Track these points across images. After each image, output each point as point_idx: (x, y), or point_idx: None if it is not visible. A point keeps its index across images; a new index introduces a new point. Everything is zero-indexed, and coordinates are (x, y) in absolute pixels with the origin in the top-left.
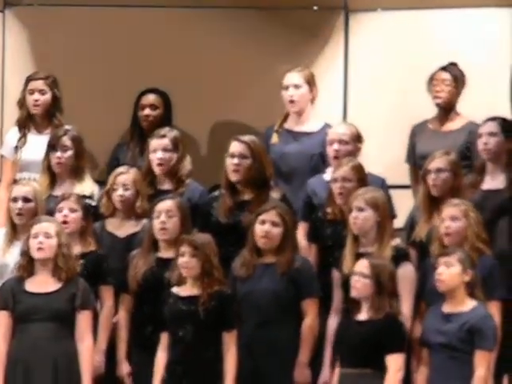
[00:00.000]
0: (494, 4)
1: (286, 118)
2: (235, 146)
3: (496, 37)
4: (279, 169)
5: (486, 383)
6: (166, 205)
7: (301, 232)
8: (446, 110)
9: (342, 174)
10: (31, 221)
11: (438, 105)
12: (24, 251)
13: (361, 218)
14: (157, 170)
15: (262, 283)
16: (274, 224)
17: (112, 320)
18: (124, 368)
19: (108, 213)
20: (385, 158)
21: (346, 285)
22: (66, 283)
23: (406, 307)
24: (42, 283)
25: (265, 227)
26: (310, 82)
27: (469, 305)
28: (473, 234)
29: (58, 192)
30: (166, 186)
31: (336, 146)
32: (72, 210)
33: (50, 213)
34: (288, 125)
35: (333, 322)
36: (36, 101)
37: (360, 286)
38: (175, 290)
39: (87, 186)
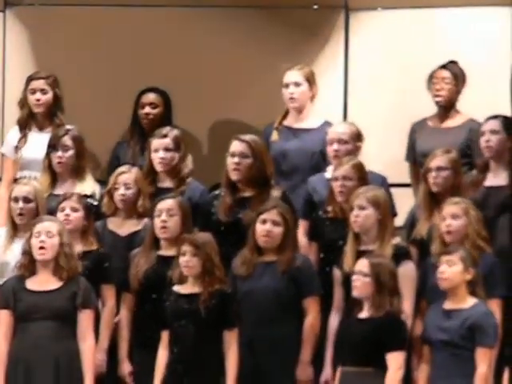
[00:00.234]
0: (494, 2)
1: (285, 115)
2: (236, 145)
3: (496, 35)
4: (279, 166)
5: (487, 380)
6: (166, 204)
7: (301, 230)
8: (446, 108)
9: (342, 173)
10: (33, 220)
11: (438, 103)
12: (26, 250)
13: (362, 216)
14: (159, 169)
15: (263, 282)
16: (275, 223)
17: (114, 319)
18: (125, 367)
19: (110, 212)
20: (385, 156)
21: (346, 283)
22: (67, 282)
23: (407, 305)
24: (43, 282)
25: (266, 226)
26: (310, 79)
27: (470, 302)
28: (473, 232)
29: (59, 191)
30: (167, 184)
31: (335, 146)
32: (74, 210)
33: (51, 212)
34: (288, 122)
35: (334, 321)
36: (38, 100)
37: (360, 284)
38: (176, 288)
39: (88, 186)
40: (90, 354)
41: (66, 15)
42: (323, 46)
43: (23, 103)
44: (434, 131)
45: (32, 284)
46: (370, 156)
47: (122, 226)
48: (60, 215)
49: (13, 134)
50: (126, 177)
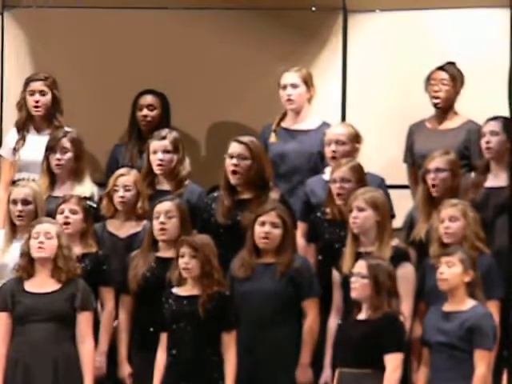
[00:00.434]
0: (492, 4)
1: (283, 117)
2: (234, 147)
3: (494, 37)
4: (278, 168)
5: (486, 382)
6: (165, 206)
7: (299, 232)
8: (445, 109)
9: (340, 175)
10: (32, 222)
11: (436, 104)
12: (24, 252)
13: (361, 217)
14: (157, 171)
15: (261, 283)
16: (273, 225)
17: (113, 322)
18: (125, 369)
19: (109, 214)
20: (383, 157)
21: (345, 285)
22: (65, 284)
23: (405, 307)
24: (42, 284)
25: (265, 228)
26: (308, 81)
27: (468, 304)
28: (471, 234)
29: (57, 193)
30: (166, 186)
31: (333, 147)
32: (73, 212)
33: (50, 214)
34: (285, 123)
35: (333, 322)
36: (37, 102)
37: (358, 286)
38: (175, 290)
39: (87, 188)
40: (89, 356)
41: (63, 17)
42: (322, 48)
43: (21, 105)
44: (432, 133)
45: (31, 286)
46: (368, 158)
47: (122, 228)
48: (59, 217)
49: (11, 135)
50: (126, 179)
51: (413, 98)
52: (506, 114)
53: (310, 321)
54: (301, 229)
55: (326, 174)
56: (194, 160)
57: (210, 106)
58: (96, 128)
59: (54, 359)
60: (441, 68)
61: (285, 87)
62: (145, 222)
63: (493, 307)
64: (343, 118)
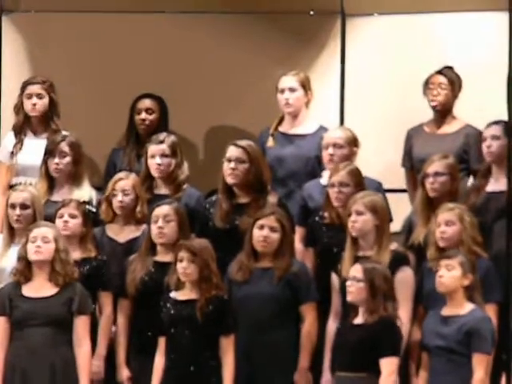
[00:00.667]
0: (490, 8)
1: (280, 121)
2: (232, 151)
3: (492, 40)
4: (275, 172)
5: None
6: (163, 210)
7: (297, 236)
8: (443, 113)
9: (338, 179)
10: (29, 226)
11: (434, 108)
12: (21, 256)
13: (360, 221)
14: (155, 175)
15: (259, 287)
16: (272, 229)
17: (112, 326)
18: (123, 373)
19: (108, 219)
20: (381, 162)
21: (344, 289)
22: (63, 288)
23: (404, 311)
24: (39, 288)
25: (263, 232)
26: (305, 85)
27: (467, 308)
28: (468, 238)
29: (56, 197)
30: (164, 190)
31: (331, 150)
32: (72, 216)
33: (48, 218)
34: (283, 128)
35: (332, 326)
36: (34, 105)
37: (354, 290)
38: (173, 294)
39: (85, 192)
40: (86, 360)
41: (62, 22)
42: (320, 52)
43: (19, 108)
44: (430, 137)
45: (28, 290)
46: (366, 162)
47: (121, 233)
48: (58, 222)
49: (8, 139)
50: (124, 183)
51: (411, 102)
52: (505, 117)
53: (308, 325)
54: (299, 233)
55: (324, 178)
56: (192, 164)
57: (208, 109)
58: (94, 132)
59: (52, 363)
60: (439, 72)
61: (282, 91)
62: (144, 226)
63: (490, 311)
64: (341, 122)
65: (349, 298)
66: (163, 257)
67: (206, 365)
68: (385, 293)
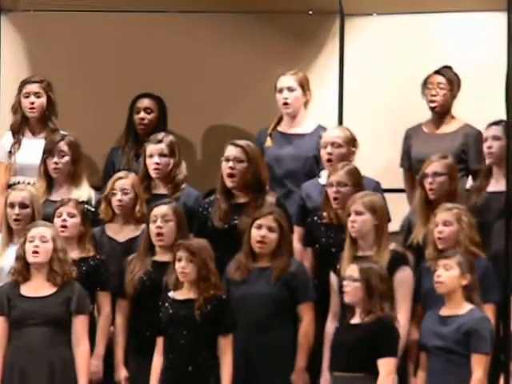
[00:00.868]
0: (489, 8)
1: (279, 121)
2: (231, 150)
3: (491, 41)
4: (273, 172)
5: None
6: (162, 209)
7: (295, 236)
8: (442, 113)
9: (337, 179)
10: (27, 225)
11: (433, 108)
12: (19, 255)
13: (359, 221)
14: (153, 174)
15: (257, 287)
16: (270, 229)
17: (110, 326)
18: (122, 373)
19: (107, 218)
20: (379, 162)
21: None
22: (61, 287)
23: (403, 311)
24: (37, 287)
25: (261, 232)
26: (304, 85)
27: (465, 308)
28: (465, 238)
29: (54, 197)
30: (162, 190)
31: (329, 149)
32: (71, 216)
33: (47, 218)
34: (281, 127)
35: (330, 327)
36: (32, 104)
37: (350, 290)
38: (172, 294)
39: (84, 192)
40: (85, 359)
41: (61, 21)
42: (318, 52)
43: (16, 108)
44: (429, 137)
45: (26, 290)
46: (365, 161)
47: (120, 233)
48: (57, 221)
49: (6, 139)
50: (124, 182)
51: (409, 101)
52: (503, 117)
53: (306, 325)
54: (297, 233)
55: (322, 178)
56: (190, 164)
57: (207, 109)
58: (93, 131)
59: (50, 363)
60: (438, 72)
61: (281, 91)
62: (143, 226)
63: (489, 311)
64: (340, 123)
65: (346, 299)
66: (162, 256)
67: (204, 364)
68: (381, 293)
